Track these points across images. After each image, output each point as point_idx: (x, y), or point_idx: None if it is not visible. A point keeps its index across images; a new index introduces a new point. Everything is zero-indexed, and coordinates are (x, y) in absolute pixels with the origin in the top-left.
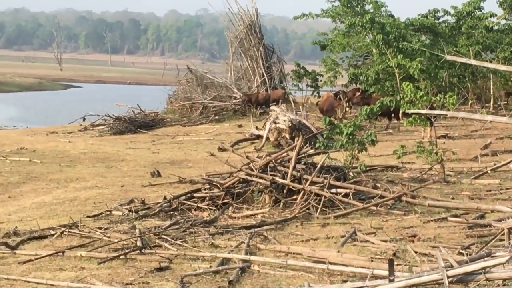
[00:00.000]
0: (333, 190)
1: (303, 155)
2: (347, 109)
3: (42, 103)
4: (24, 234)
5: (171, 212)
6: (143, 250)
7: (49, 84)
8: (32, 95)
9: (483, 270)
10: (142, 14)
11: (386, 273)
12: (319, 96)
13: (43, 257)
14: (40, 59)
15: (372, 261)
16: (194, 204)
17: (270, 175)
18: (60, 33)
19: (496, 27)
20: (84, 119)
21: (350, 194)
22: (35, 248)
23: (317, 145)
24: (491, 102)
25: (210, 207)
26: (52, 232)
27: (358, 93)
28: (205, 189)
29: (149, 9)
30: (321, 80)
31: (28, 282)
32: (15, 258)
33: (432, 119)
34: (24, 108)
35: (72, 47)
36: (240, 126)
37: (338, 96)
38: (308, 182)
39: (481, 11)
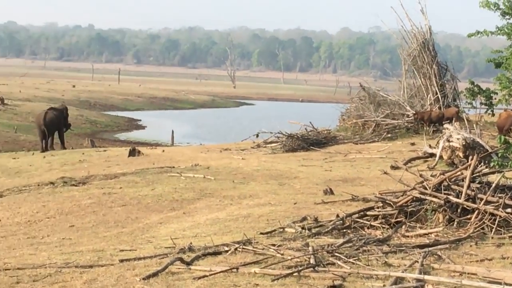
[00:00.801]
0: (509, 210)
1: (478, 174)
2: None
3: (215, 120)
4: (198, 250)
5: (344, 230)
6: (316, 268)
7: (222, 102)
8: (205, 112)
9: None
10: (315, 32)
11: None
12: (493, 115)
13: (217, 273)
14: (213, 77)
15: None
16: (367, 222)
17: (444, 194)
18: (233, 51)
19: None
20: (257, 136)
21: None
22: (210, 264)
23: (491, 164)
24: None
25: (383, 226)
26: (226, 248)
27: None
28: (378, 207)
29: (322, 27)
30: (495, 98)
31: None
32: (190, 274)
33: None
34: (198, 125)
35: (245, 64)
36: (412, 144)
37: None
38: (482, 202)
39: None
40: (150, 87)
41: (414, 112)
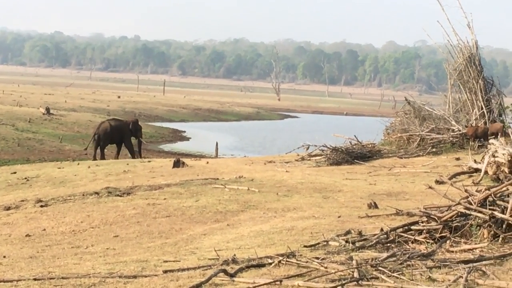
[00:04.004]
0: None
1: None
2: None
3: (259, 132)
4: (242, 262)
5: (388, 244)
6: (360, 282)
7: (267, 114)
8: (250, 124)
9: None
10: (360, 45)
11: None
12: None
13: (261, 285)
14: (258, 89)
15: None
16: (411, 236)
17: (489, 209)
18: (278, 64)
19: None
20: (307, 148)
21: None
22: (253, 276)
23: None
24: None
25: (428, 240)
26: (270, 260)
27: None
28: (422, 222)
29: (367, 40)
30: None
31: None
32: (233, 286)
33: None
34: (242, 137)
35: (290, 77)
36: (457, 159)
37: None
38: None
39: None
40: (194, 98)
41: (467, 126)
